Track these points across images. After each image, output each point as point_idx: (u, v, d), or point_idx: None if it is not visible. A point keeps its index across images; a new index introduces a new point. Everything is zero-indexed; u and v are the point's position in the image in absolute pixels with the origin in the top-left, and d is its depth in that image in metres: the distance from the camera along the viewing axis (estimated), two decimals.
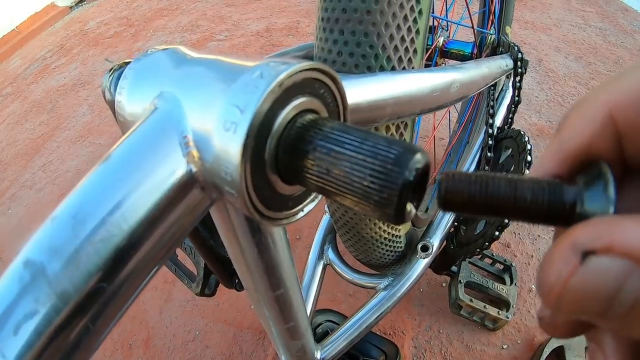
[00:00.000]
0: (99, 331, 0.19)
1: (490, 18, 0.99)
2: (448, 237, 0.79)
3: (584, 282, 0.14)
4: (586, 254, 0.14)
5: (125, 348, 1.23)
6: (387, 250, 0.67)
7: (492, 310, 1.01)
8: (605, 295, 0.14)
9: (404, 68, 0.40)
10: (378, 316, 0.69)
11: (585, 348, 0.95)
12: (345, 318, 0.72)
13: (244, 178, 0.18)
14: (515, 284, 1.07)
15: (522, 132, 0.70)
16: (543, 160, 0.20)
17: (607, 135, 0.17)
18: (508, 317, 1.01)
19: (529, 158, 0.66)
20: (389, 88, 0.32)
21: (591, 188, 0.16)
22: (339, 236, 0.70)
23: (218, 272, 0.59)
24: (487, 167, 0.78)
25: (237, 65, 0.21)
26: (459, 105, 1.37)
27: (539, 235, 1.26)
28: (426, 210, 0.96)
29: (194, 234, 0.50)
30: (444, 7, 0.97)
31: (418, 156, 0.16)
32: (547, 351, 0.97)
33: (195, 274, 0.68)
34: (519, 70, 0.80)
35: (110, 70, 0.33)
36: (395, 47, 0.40)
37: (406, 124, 0.46)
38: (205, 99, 0.21)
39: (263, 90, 0.18)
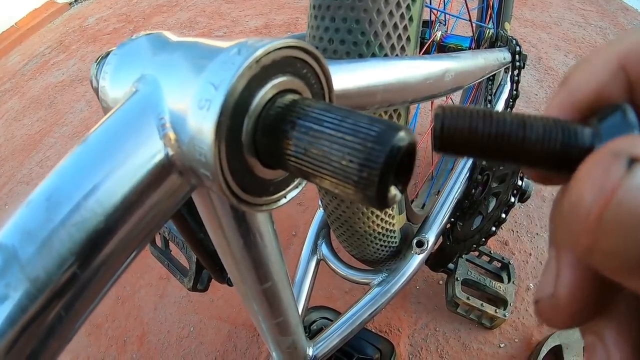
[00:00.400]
0: (73, 319, 0.19)
1: (489, 12, 0.98)
2: (444, 233, 0.78)
3: (634, 198, 0.11)
4: (633, 162, 0.11)
5: (120, 344, 1.22)
6: (381, 245, 0.66)
7: (490, 309, 1.01)
8: None
9: (396, 56, 0.39)
10: (372, 312, 0.68)
11: (584, 348, 0.94)
12: (339, 315, 0.71)
13: (218, 159, 0.17)
14: (513, 282, 1.06)
15: None
16: (549, 109, 0.18)
17: (618, 84, 0.16)
18: (505, 316, 1.01)
19: None
20: (379, 74, 0.31)
21: (609, 124, 0.15)
22: (332, 231, 0.70)
23: (209, 267, 0.58)
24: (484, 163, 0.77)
25: (217, 46, 0.20)
26: (457, 102, 1.36)
27: (537, 233, 1.25)
28: (423, 207, 0.95)
29: (183, 226, 0.49)
30: (442, 0, 0.96)
31: (402, 134, 0.15)
32: (544, 350, 0.96)
33: (188, 268, 0.67)
34: (517, 64, 0.79)
35: (97, 59, 0.33)
36: (388, 35, 0.39)
37: (399, 113, 0.45)
38: (183, 80, 0.20)
39: (238, 66, 0.17)
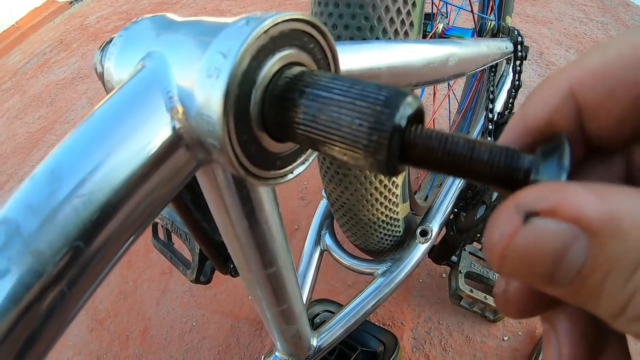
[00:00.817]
0: (76, 296, 0.18)
1: (490, 4, 0.98)
2: (448, 223, 0.78)
3: (526, 242, 0.14)
4: (529, 215, 0.14)
5: (122, 339, 1.22)
6: (385, 235, 0.66)
7: (493, 301, 1.00)
8: (549, 259, 0.14)
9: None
10: (376, 303, 0.68)
11: None
12: (344, 305, 0.71)
13: (226, 126, 0.17)
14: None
15: None
16: (506, 132, 0.20)
17: (567, 110, 0.17)
18: None
19: None
20: (383, 56, 0.31)
21: (547, 157, 0.16)
22: (336, 220, 0.70)
23: (212, 257, 0.58)
24: None
25: (223, 22, 0.20)
26: (459, 95, 1.36)
27: None
28: (425, 199, 0.95)
29: (187, 215, 0.49)
30: None
31: (410, 98, 0.15)
32: None
33: (191, 261, 0.67)
34: (520, 54, 0.79)
35: (100, 47, 0.33)
36: (391, 19, 0.39)
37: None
38: (191, 53, 0.20)
39: (247, 35, 0.17)
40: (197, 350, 1.15)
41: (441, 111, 1.51)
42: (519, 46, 0.79)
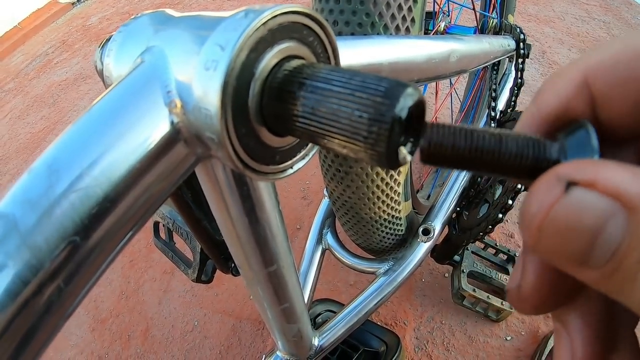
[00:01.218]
0: (73, 292, 0.18)
1: (492, 2, 0.98)
2: (450, 222, 0.78)
3: (566, 212, 0.13)
4: (570, 185, 0.13)
5: (124, 339, 1.22)
6: (387, 233, 0.66)
7: (496, 301, 1.00)
8: (586, 234, 0.13)
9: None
10: (378, 302, 0.68)
11: None
12: (345, 304, 0.71)
13: (224, 119, 0.17)
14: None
15: None
16: (521, 123, 0.20)
17: (582, 98, 0.18)
18: (512, 308, 1.00)
19: None
20: (385, 52, 0.31)
21: (573, 141, 0.16)
22: (338, 219, 0.69)
23: (213, 256, 0.58)
24: None
25: (221, 16, 0.20)
26: (461, 93, 1.36)
27: None
28: (428, 198, 0.94)
29: (188, 214, 0.49)
30: None
31: (410, 90, 0.15)
32: (551, 343, 0.96)
33: (192, 260, 0.67)
34: (522, 51, 0.79)
35: (100, 44, 0.33)
36: (392, 16, 0.39)
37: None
38: (189, 47, 0.20)
39: (245, 27, 0.17)
40: (198, 349, 1.15)
41: (443, 110, 1.51)
42: (521, 44, 0.79)
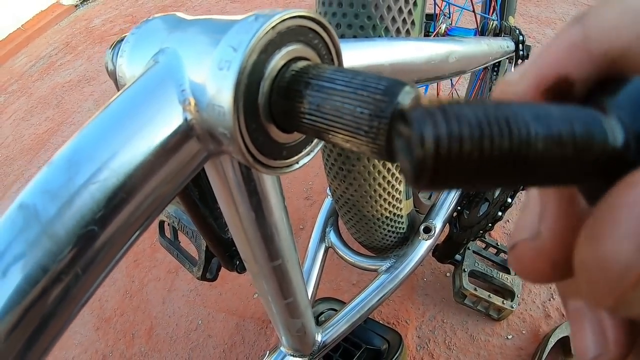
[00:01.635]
0: (88, 280, 0.19)
1: (492, 5, 0.99)
2: (451, 221, 0.79)
3: None
4: None
5: (128, 338, 1.23)
6: (388, 231, 0.67)
7: (497, 300, 1.01)
8: None
9: None
10: (380, 299, 0.69)
11: None
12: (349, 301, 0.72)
13: (236, 115, 0.18)
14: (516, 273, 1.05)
15: None
16: (552, 52, 0.14)
17: (587, 55, 0.13)
18: (513, 307, 1.01)
19: None
20: (385, 53, 0.32)
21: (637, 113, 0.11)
22: (340, 217, 0.70)
23: (219, 253, 0.59)
24: None
25: (233, 19, 0.21)
26: (462, 94, 1.37)
27: None
28: (429, 197, 0.95)
29: (194, 212, 0.50)
30: None
31: (407, 88, 0.16)
32: (552, 341, 0.96)
33: (197, 259, 0.68)
34: (521, 52, 0.80)
35: (112, 45, 0.34)
36: (393, 18, 0.40)
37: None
38: (202, 48, 0.21)
39: (256, 30, 0.19)
40: (202, 348, 1.16)
41: None
42: (520, 45, 0.80)
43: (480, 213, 0.71)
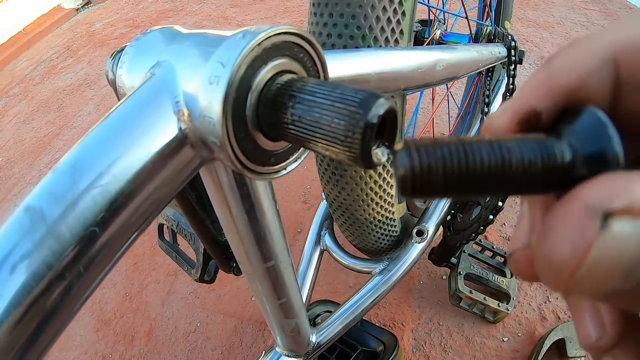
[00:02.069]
0: (90, 277, 0.21)
1: (486, 11, 1.00)
2: (445, 224, 0.80)
3: (609, 252, 0.11)
4: (607, 217, 0.11)
5: (128, 339, 1.25)
6: (382, 234, 0.68)
7: (492, 303, 1.01)
8: (630, 270, 0.11)
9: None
10: (374, 300, 0.70)
11: None
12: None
13: (225, 126, 0.20)
14: (515, 276, 1.06)
15: None
16: (524, 91, 0.16)
17: (604, 78, 0.15)
18: (508, 310, 1.01)
19: None
20: (372, 63, 0.33)
21: (586, 139, 0.14)
22: (335, 221, 0.72)
23: (216, 256, 0.60)
24: None
25: (223, 35, 0.23)
26: (458, 99, 1.38)
27: None
28: (424, 201, 0.97)
29: (192, 215, 0.52)
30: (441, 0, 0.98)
31: (381, 100, 0.18)
32: (547, 344, 0.97)
33: (195, 261, 0.69)
34: (513, 58, 0.81)
35: (112, 54, 0.36)
36: (382, 28, 0.42)
37: (395, 101, 0.47)
38: (195, 63, 0.22)
39: (243, 47, 0.20)
40: (201, 350, 1.17)
41: (439, 114, 1.54)
42: (512, 51, 0.81)
43: (473, 216, 0.72)
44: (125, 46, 0.33)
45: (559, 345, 0.98)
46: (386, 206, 0.63)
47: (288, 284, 0.43)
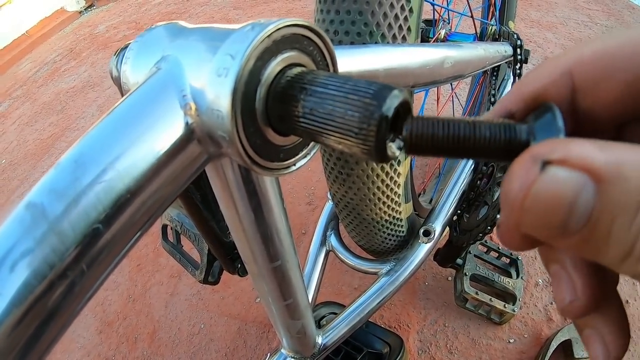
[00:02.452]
0: (93, 276, 0.20)
1: (491, 10, 1.00)
2: (451, 225, 0.80)
3: (545, 189, 0.15)
4: (545, 164, 0.15)
5: (131, 341, 1.24)
6: (388, 234, 0.67)
7: (498, 304, 1.01)
8: (564, 206, 0.15)
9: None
10: (380, 301, 0.70)
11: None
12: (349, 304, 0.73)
13: (234, 119, 0.19)
14: (521, 277, 1.06)
15: None
16: (502, 99, 0.22)
17: (562, 84, 0.20)
18: (514, 311, 1.00)
19: None
20: (381, 59, 0.33)
21: (541, 123, 0.18)
22: (341, 221, 0.71)
23: (220, 256, 0.60)
24: None
25: (231, 28, 0.22)
26: (463, 98, 1.38)
27: None
28: (430, 202, 0.96)
29: (197, 215, 0.51)
30: None
31: (396, 92, 0.17)
32: (554, 345, 0.96)
33: (199, 262, 0.69)
34: (519, 57, 0.81)
35: (116, 52, 0.35)
36: (389, 25, 0.41)
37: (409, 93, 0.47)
38: (202, 56, 0.22)
39: (252, 38, 0.19)
40: (204, 352, 1.17)
41: (444, 115, 1.53)
42: (518, 49, 0.81)
43: (480, 216, 0.71)
44: (130, 43, 0.32)
45: (566, 347, 0.97)
46: (393, 205, 0.62)
47: (295, 284, 0.43)
